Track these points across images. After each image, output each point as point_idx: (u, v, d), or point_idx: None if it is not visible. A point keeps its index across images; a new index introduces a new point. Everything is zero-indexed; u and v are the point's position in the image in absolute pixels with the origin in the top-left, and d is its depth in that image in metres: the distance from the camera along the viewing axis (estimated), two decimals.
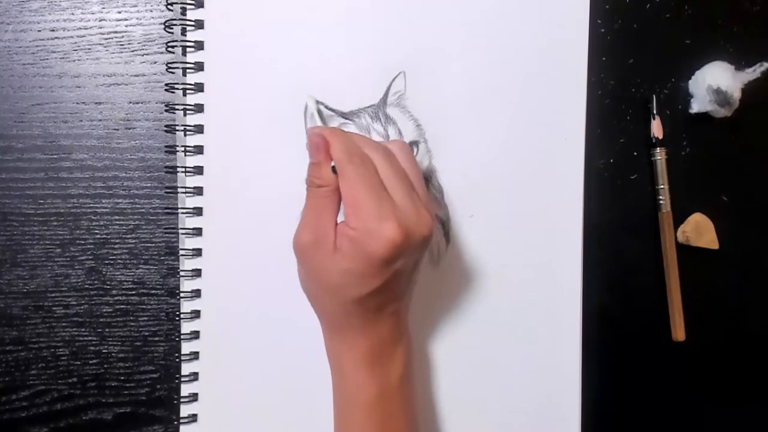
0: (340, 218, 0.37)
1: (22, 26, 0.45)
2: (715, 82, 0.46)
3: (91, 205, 0.46)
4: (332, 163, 0.37)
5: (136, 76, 0.46)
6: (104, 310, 0.46)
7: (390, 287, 0.38)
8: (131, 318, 0.46)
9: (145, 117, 0.46)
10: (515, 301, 0.46)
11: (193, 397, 0.45)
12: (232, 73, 0.44)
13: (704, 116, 0.47)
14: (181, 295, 0.45)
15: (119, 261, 0.46)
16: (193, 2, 0.44)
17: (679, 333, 0.48)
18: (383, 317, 0.39)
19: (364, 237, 0.35)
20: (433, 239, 0.45)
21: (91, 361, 0.46)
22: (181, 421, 0.45)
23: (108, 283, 0.46)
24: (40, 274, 0.46)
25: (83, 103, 0.45)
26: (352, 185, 0.36)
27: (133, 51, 0.46)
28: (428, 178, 0.45)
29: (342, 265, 0.36)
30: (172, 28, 0.45)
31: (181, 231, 0.44)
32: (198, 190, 0.44)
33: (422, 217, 0.37)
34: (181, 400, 0.45)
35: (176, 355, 0.45)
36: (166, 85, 0.44)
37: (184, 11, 0.44)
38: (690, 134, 0.48)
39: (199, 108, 0.44)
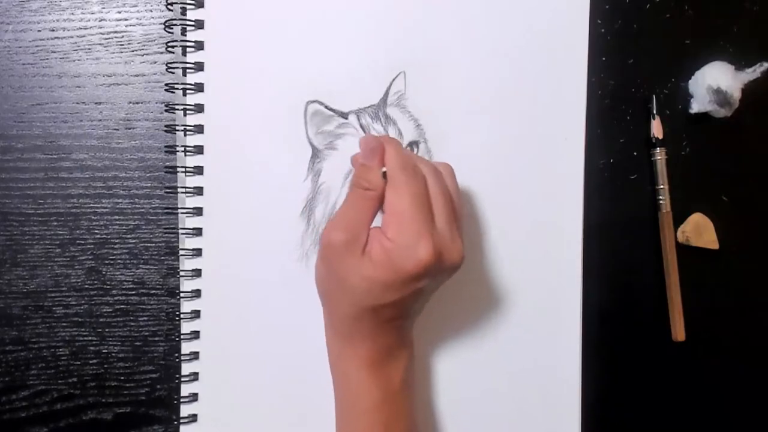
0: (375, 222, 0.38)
1: (22, 26, 0.45)
2: (715, 82, 0.46)
3: (91, 205, 0.46)
4: (383, 170, 0.37)
5: (136, 76, 0.46)
6: (104, 310, 0.46)
7: (406, 303, 0.38)
8: (131, 318, 0.46)
9: (145, 117, 0.46)
10: (515, 301, 0.46)
11: (193, 397, 0.45)
12: (232, 73, 0.44)
13: (704, 116, 0.47)
14: (181, 295, 0.45)
15: (119, 261, 0.46)
16: (193, 2, 0.44)
17: (679, 333, 0.48)
18: (391, 327, 0.39)
19: (398, 250, 0.35)
20: None
21: (91, 361, 0.46)
22: (181, 421, 0.45)
23: (108, 283, 0.46)
24: (40, 274, 0.46)
25: (83, 103, 0.45)
26: (401, 195, 0.36)
27: (133, 51, 0.46)
28: None
29: (367, 271, 0.36)
30: (172, 28, 0.45)
31: (181, 231, 0.44)
32: (198, 190, 0.44)
33: (456, 244, 0.37)
34: (181, 400, 0.45)
35: (176, 355, 0.45)
36: (166, 85, 0.44)
37: (184, 11, 0.44)
38: (690, 134, 0.48)
39: (199, 108, 0.44)
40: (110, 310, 0.46)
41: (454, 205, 0.39)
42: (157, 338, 0.46)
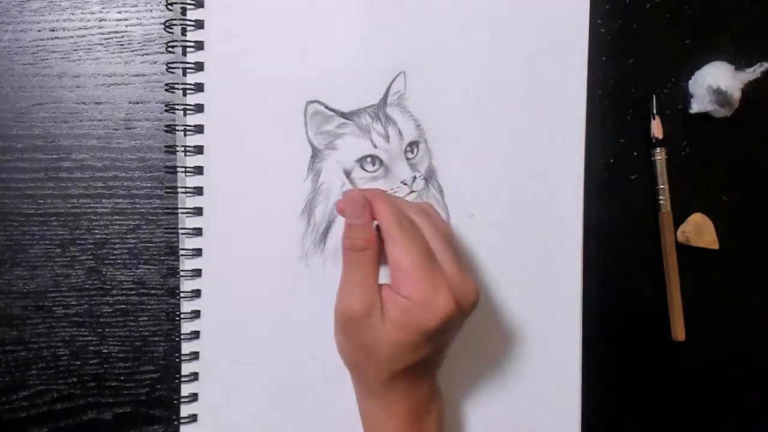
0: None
1: (22, 26, 0.45)
2: (715, 82, 0.46)
3: (91, 205, 0.46)
4: (375, 224, 0.37)
5: (136, 76, 0.46)
6: (104, 310, 0.46)
7: (436, 354, 0.38)
8: (131, 318, 0.46)
9: (145, 117, 0.46)
10: (515, 301, 0.46)
11: (193, 397, 0.45)
12: (232, 73, 0.44)
13: (704, 116, 0.47)
14: (181, 295, 0.45)
15: (119, 261, 0.46)
16: (193, 2, 0.44)
17: (679, 333, 0.48)
18: (423, 380, 0.39)
19: (417, 308, 0.35)
20: None
21: (91, 361, 0.46)
22: (181, 421, 0.45)
23: (108, 283, 0.46)
24: (40, 274, 0.46)
25: (83, 103, 0.45)
26: (404, 251, 0.35)
27: (133, 51, 0.46)
28: (428, 178, 0.45)
29: (393, 336, 0.35)
30: (172, 28, 0.45)
31: (181, 231, 0.44)
32: (198, 190, 0.44)
33: (468, 282, 0.37)
34: (181, 400, 0.45)
35: (176, 355, 0.45)
36: (166, 85, 0.44)
37: (184, 11, 0.44)
38: (690, 134, 0.48)
39: (199, 108, 0.44)
40: (110, 310, 0.46)
41: (450, 244, 0.38)
42: (157, 338, 0.46)
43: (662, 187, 0.47)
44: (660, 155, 0.47)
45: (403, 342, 0.35)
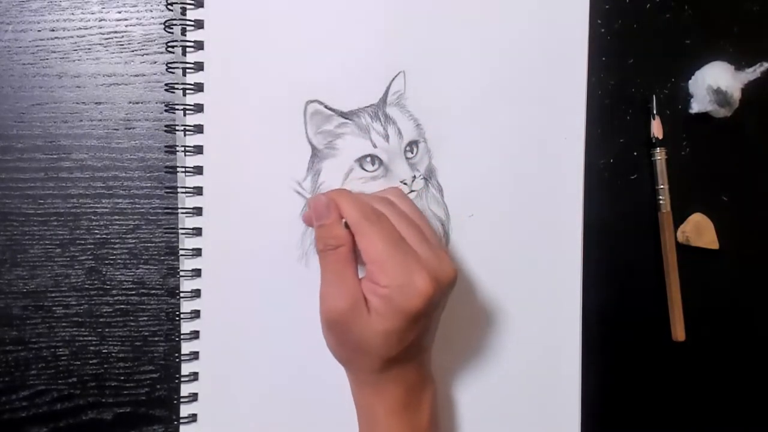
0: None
1: (22, 26, 0.45)
2: (715, 82, 0.46)
3: (91, 205, 0.46)
4: (343, 221, 0.38)
5: (136, 76, 0.46)
6: (104, 310, 0.46)
7: (424, 336, 0.38)
8: (131, 318, 0.46)
9: (145, 117, 0.46)
10: (515, 301, 0.46)
11: (193, 397, 0.45)
12: (232, 73, 0.44)
13: (704, 116, 0.47)
14: (181, 295, 0.45)
15: (119, 261, 0.46)
16: (193, 2, 0.44)
17: (679, 333, 0.48)
18: (415, 365, 0.39)
19: (397, 294, 0.35)
20: None
21: (91, 361, 0.46)
22: (181, 421, 0.45)
23: (108, 283, 0.46)
24: (40, 274, 0.46)
25: (83, 103, 0.45)
26: (374, 242, 0.36)
27: (133, 51, 0.46)
28: (428, 178, 0.45)
29: (378, 326, 0.36)
30: (172, 28, 0.45)
31: (181, 231, 0.44)
32: (198, 190, 0.44)
33: (444, 260, 0.37)
34: (181, 400, 0.45)
35: (176, 355, 0.45)
36: (166, 85, 0.44)
37: (184, 11, 0.44)
38: (690, 134, 0.48)
39: (199, 108, 0.44)
40: (110, 310, 0.46)
41: (419, 226, 0.39)
42: (157, 338, 0.46)
43: (662, 187, 0.47)
44: (660, 155, 0.47)
45: (390, 330, 0.36)
